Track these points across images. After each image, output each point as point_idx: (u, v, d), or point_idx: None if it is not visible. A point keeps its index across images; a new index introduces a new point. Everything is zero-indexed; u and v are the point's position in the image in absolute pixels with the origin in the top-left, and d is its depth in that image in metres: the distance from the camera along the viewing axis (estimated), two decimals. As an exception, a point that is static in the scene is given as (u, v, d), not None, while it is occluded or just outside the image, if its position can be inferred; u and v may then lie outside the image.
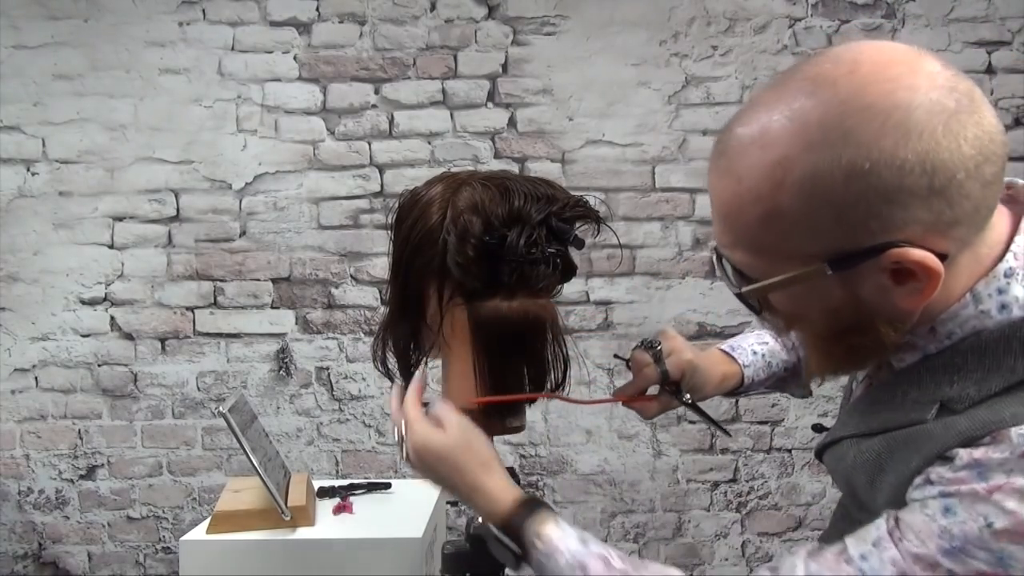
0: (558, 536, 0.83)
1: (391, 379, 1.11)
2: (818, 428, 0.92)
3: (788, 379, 1.16)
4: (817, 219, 0.63)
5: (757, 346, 1.15)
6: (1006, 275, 0.67)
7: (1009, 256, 0.67)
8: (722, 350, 1.14)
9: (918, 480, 0.67)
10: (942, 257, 0.63)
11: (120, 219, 2.63)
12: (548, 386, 1.08)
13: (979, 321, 0.68)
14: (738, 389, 1.13)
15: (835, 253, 0.64)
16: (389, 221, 1.09)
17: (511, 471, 1.16)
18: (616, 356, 1.15)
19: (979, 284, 0.68)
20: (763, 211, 0.65)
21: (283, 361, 2.64)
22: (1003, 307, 0.67)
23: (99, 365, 2.64)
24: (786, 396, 2.60)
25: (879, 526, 0.68)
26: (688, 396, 1.07)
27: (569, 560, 0.81)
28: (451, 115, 2.62)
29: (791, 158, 0.63)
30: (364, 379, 2.64)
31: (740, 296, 0.72)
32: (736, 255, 0.70)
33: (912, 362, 0.73)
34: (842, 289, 0.67)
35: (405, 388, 0.97)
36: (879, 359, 0.76)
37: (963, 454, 0.64)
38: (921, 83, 0.61)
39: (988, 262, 0.68)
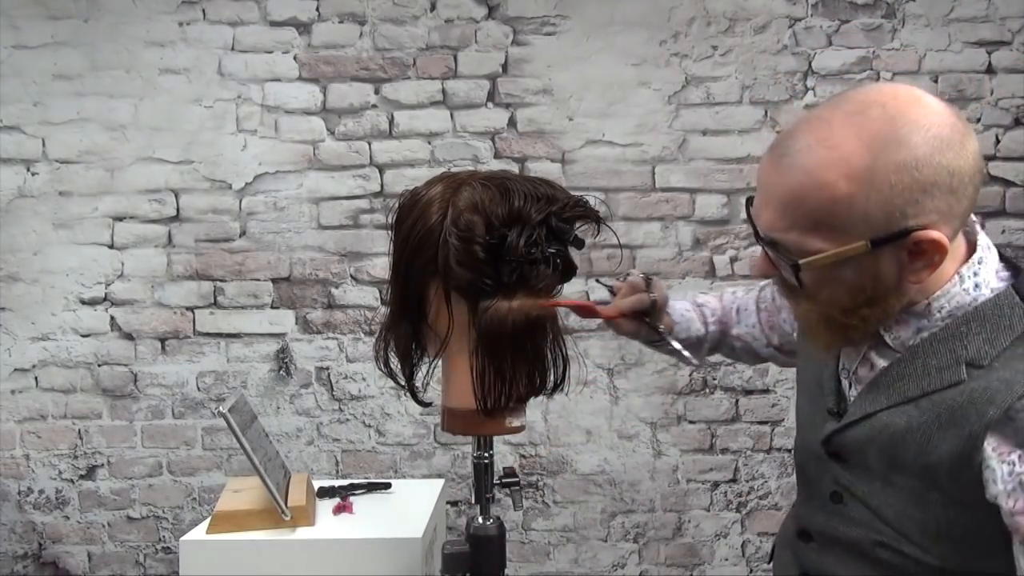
0: None
1: (394, 379, 1.12)
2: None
3: (694, 346, 1.32)
4: (869, 204, 0.82)
5: (684, 311, 1.32)
6: (979, 262, 0.90)
7: (979, 249, 0.90)
8: None
9: (1005, 446, 0.83)
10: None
11: (120, 219, 2.63)
12: (548, 387, 1.08)
13: (962, 297, 0.89)
14: (660, 338, 1.26)
15: (875, 234, 0.83)
16: (389, 221, 1.09)
17: (511, 471, 1.17)
18: (599, 280, 1.29)
19: (963, 268, 0.90)
20: (828, 197, 0.83)
21: (283, 361, 2.64)
22: (977, 286, 0.89)
23: (99, 365, 2.64)
24: (775, 390, 2.60)
25: None
26: (663, 328, 1.22)
27: None
28: (451, 115, 2.62)
29: (855, 155, 0.82)
30: (364, 379, 2.64)
31: (795, 269, 0.88)
32: (790, 236, 0.87)
33: (909, 339, 0.92)
34: (872, 265, 0.86)
35: None
36: (876, 331, 0.93)
37: None
38: (945, 110, 0.84)
39: (961, 254, 0.91)
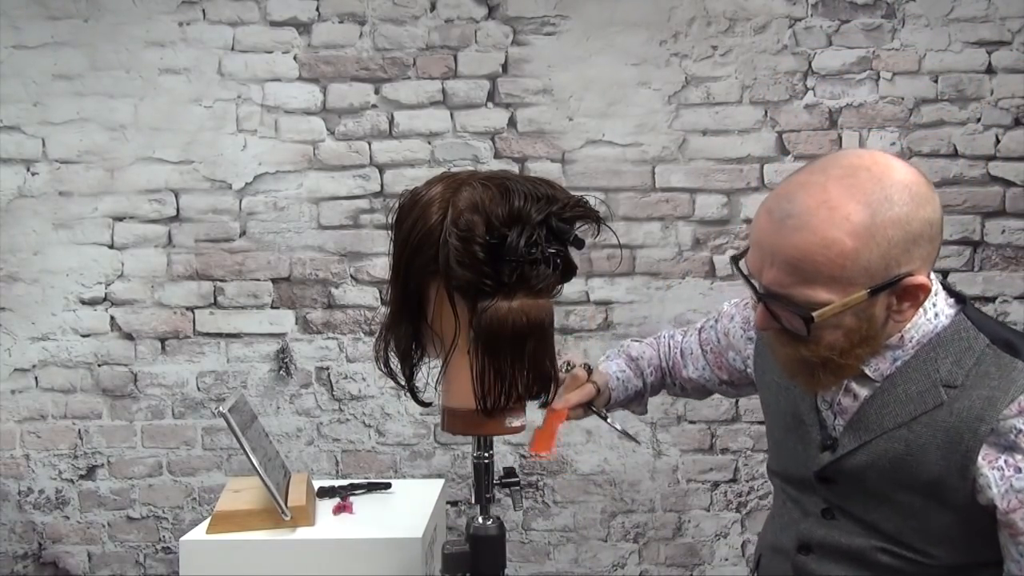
0: None
1: (394, 380, 1.11)
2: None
3: (634, 400, 1.45)
4: (870, 257, 0.92)
5: (619, 372, 1.42)
6: (935, 294, 1.01)
7: (932, 282, 0.99)
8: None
9: (992, 455, 0.95)
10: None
11: (120, 219, 2.63)
12: (550, 386, 1.08)
13: (927, 327, 1.01)
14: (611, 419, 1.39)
15: (874, 282, 0.93)
16: (389, 221, 1.08)
17: (511, 471, 1.17)
18: (568, 366, 1.36)
19: (927, 302, 1.00)
20: (836, 252, 0.92)
21: (283, 361, 2.64)
22: (936, 315, 1.02)
23: (99, 365, 2.64)
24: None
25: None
26: (604, 412, 1.35)
27: None
28: (451, 115, 2.62)
29: (855, 213, 0.92)
30: (364, 379, 2.64)
31: (806, 321, 0.95)
32: (797, 291, 0.94)
33: (886, 368, 1.02)
34: (868, 310, 0.96)
35: None
36: (861, 367, 1.02)
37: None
38: (914, 170, 0.97)
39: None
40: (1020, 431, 0.94)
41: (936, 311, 1.01)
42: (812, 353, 0.99)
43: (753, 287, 1.00)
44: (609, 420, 1.33)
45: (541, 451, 1.25)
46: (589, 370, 1.35)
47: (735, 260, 1.04)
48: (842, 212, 0.91)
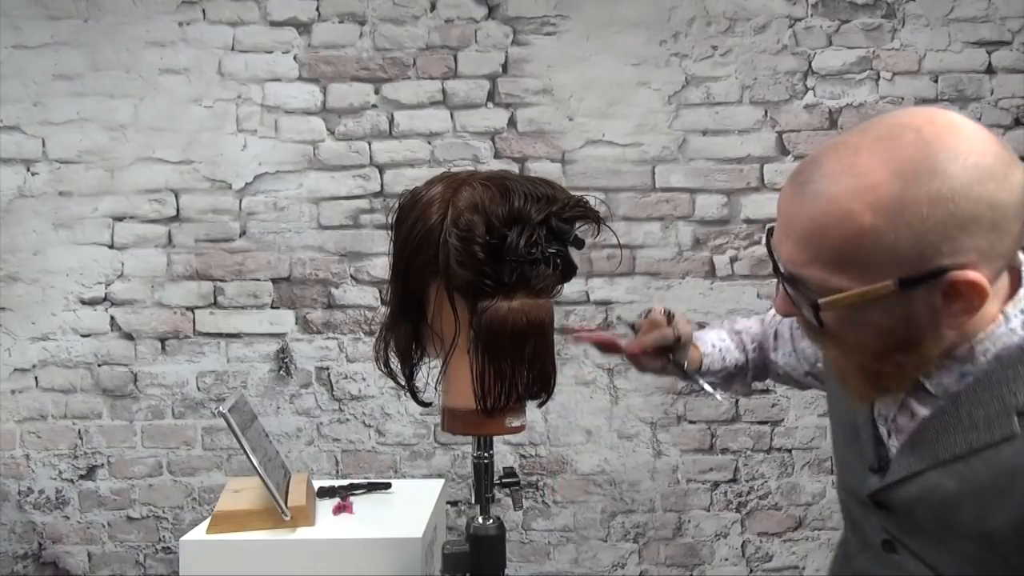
0: None
1: (394, 380, 1.11)
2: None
3: (735, 376, 1.29)
4: (897, 239, 0.73)
5: (716, 340, 1.27)
6: (1021, 299, 0.80)
7: (997, 285, 0.78)
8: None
9: None
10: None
11: (120, 219, 2.63)
12: (550, 388, 1.08)
13: (1008, 337, 0.79)
14: (684, 374, 1.24)
15: (905, 272, 0.74)
16: (389, 221, 1.09)
17: (511, 471, 1.17)
18: (620, 319, 1.29)
19: (1007, 306, 0.80)
20: (852, 230, 0.74)
21: (283, 361, 2.63)
22: (1023, 324, 0.79)
23: (99, 365, 2.64)
24: (775, 390, 2.60)
25: None
26: (687, 364, 1.19)
27: None
28: (451, 115, 2.62)
29: (883, 184, 0.73)
30: (364, 379, 2.64)
31: (814, 308, 0.79)
32: (811, 271, 0.78)
33: (952, 384, 0.82)
34: (901, 307, 0.76)
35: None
36: (915, 379, 0.83)
37: None
38: (987, 136, 0.74)
39: (1005, 290, 0.81)
40: None
41: (1023, 320, 0.79)
42: (839, 354, 0.84)
43: (774, 263, 0.83)
44: (687, 370, 1.19)
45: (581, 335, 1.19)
46: (670, 316, 1.19)
47: (768, 233, 0.85)
48: (868, 180, 0.73)
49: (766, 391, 2.62)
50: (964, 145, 0.72)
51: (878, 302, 0.76)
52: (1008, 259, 0.77)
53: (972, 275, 0.73)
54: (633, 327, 1.23)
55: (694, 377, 1.20)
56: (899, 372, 0.82)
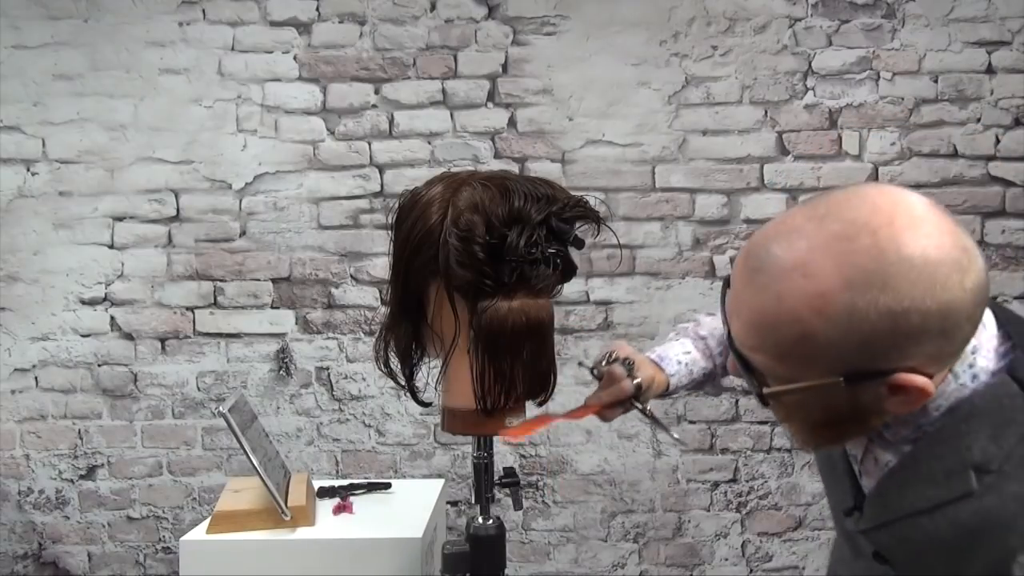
0: None
1: (394, 380, 1.11)
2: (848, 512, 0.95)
3: (705, 382, 1.27)
4: (844, 345, 0.72)
5: (682, 355, 1.24)
6: (972, 352, 0.79)
7: (973, 338, 0.78)
8: (651, 359, 1.22)
9: None
10: (929, 376, 0.75)
11: (120, 219, 2.63)
12: (550, 386, 1.08)
13: (959, 392, 0.79)
14: (662, 395, 1.22)
15: (851, 371, 0.74)
16: (389, 221, 1.08)
17: (511, 471, 1.17)
18: (586, 367, 1.22)
19: (956, 365, 0.78)
20: (798, 332, 0.73)
21: (283, 361, 2.64)
22: (974, 377, 0.79)
23: (99, 365, 2.64)
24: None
25: None
26: (649, 408, 1.15)
27: None
28: (451, 115, 2.62)
29: (833, 292, 0.71)
30: (364, 379, 2.64)
31: (759, 395, 0.80)
32: (758, 358, 0.78)
33: (909, 435, 0.82)
34: (846, 396, 0.76)
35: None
36: (864, 436, 0.85)
37: None
38: (946, 241, 0.71)
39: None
40: None
41: (974, 372, 0.79)
42: (783, 421, 0.85)
43: (728, 333, 0.82)
44: (650, 418, 1.17)
45: (513, 436, 1.11)
46: (630, 366, 1.16)
47: (725, 284, 0.84)
48: (818, 286, 0.72)
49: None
50: (921, 251, 0.70)
51: (823, 392, 0.76)
52: (957, 355, 0.77)
53: (918, 380, 0.73)
54: (595, 373, 1.18)
55: (657, 424, 1.18)
56: (841, 435, 0.84)
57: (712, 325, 1.29)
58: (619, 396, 1.13)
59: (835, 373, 0.74)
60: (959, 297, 0.71)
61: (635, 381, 1.13)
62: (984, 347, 0.79)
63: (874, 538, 0.89)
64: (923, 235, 0.71)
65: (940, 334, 0.72)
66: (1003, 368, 0.79)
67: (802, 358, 0.75)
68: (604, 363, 1.16)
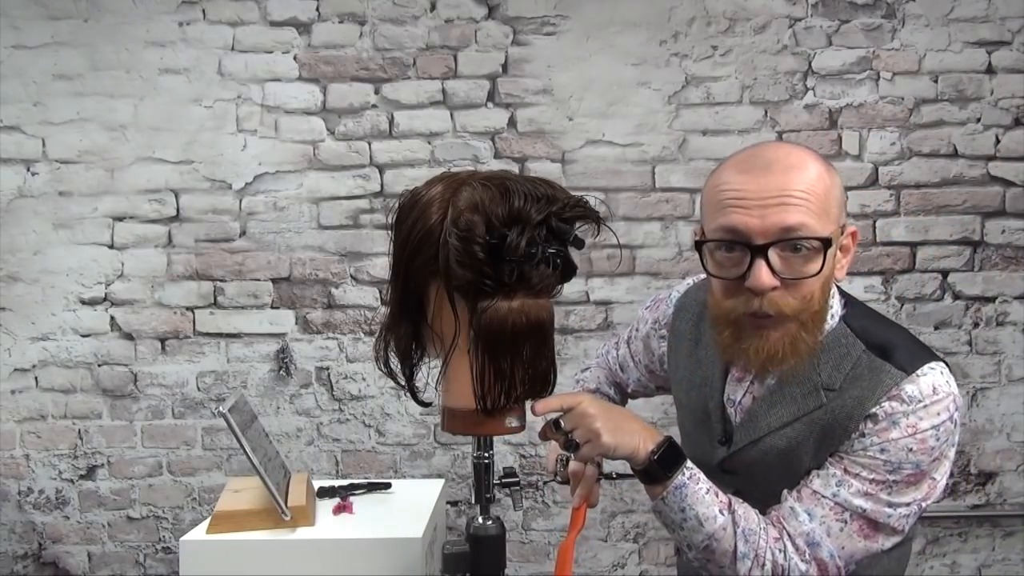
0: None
1: (394, 380, 1.11)
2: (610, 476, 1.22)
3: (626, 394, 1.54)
4: (837, 193, 1.07)
5: (607, 391, 1.51)
6: (833, 296, 1.13)
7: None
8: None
9: (853, 437, 1.07)
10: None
11: (120, 219, 2.63)
12: (550, 386, 1.08)
13: (829, 325, 1.13)
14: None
15: (839, 223, 1.07)
16: (389, 221, 1.08)
17: (511, 471, 1.17)
18: (547, 483, 1.29)
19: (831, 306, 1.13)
20: (825, 185, 1.05)
21: (283, 361, 2.64)
22: (832, 316, 1.12)
23: (99, 365, 2.64)
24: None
25: (833, 473, 1.07)
26: (611, 472, 1.25)
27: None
28: (451, 115, 2.62)
29: (815, 156, 1.07)
30: (364, 379, 2.64)
31: (825, 244, 1.03)
32: (808, 220, 1.02)
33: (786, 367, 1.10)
34: (831, 256, 1.05)
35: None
36: (813, 347, 1.10)
37: (880, 412, 1.06)
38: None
39: None
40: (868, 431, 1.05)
41: (833, 312, 1.12)
42: (793, 314, 1.05)
43: (751, 247, 1.03)
44: (614, 475, 1.27)
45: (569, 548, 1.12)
46: (598, 465, 1.23)
47: (699, 244, 1.08)
48: (810, 153, 1.06)
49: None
50: (827, 161, 1.09)
51: (830, 248, 1.04)
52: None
53: (854, 227, 1.12)
54: (559, 480, 1.23)
55: (627, 478, 1.24)
56: (820, 324, 1.09)
57: (597, 380, 1.53)
58: (591, 485, 1.19)
59: (836, 224, 1.06)
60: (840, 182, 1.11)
61: (595, 465, 1.17)
62: (836, 297, 1.13)
63: (740, 461, 1.15)
64: (824, 156, 1.11)
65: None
66: (841, 317, 1.12)
67: (827, 210, 1.03)
68: (559, 470, 1.23)
